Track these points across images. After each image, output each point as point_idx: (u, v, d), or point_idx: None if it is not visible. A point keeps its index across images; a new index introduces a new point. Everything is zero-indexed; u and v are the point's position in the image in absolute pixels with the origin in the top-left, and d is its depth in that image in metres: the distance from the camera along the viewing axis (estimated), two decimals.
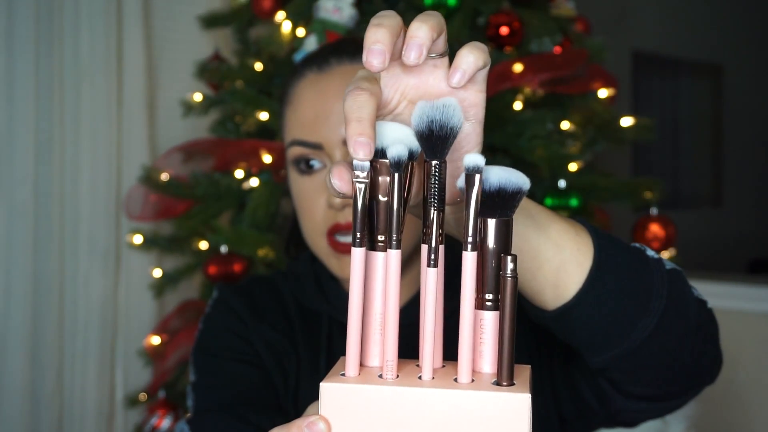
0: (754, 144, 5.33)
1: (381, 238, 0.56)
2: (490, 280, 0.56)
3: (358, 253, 0.54)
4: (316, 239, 0.98)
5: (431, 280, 0.54)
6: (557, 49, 1.73)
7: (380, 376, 0.55)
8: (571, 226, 0.69)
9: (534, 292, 0.69)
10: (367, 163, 0.54)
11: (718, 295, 2.56)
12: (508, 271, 0.53)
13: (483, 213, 0.55)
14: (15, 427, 2.02)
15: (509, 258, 0.53)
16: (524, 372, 0.57)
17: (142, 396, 1.99)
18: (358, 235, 0.54)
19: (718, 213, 5.23)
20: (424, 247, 0.55)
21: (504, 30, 1.68)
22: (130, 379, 2.20)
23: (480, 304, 0.56)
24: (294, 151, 0.98)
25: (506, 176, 0.55)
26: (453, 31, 1.68)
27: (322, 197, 0.96)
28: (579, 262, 0.67)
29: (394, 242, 0.54)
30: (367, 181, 0.54)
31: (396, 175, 0.53)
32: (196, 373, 0.98)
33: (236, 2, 1.99)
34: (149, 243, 1.96)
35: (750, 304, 2.56)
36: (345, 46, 1.01)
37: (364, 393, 0.53)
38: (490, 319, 0.56)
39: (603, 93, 1.79)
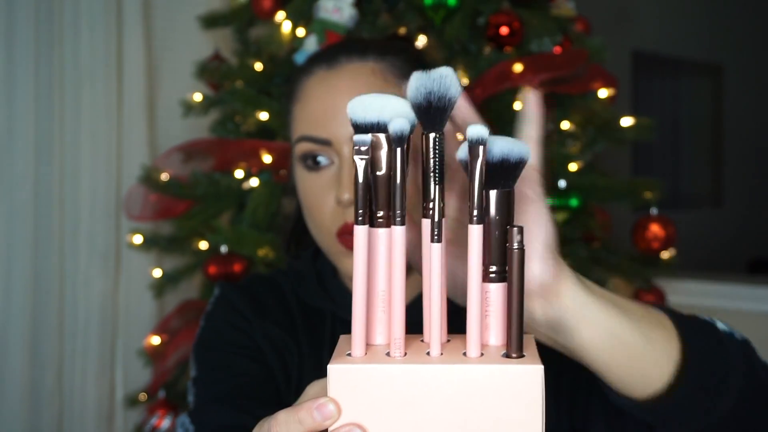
0: (754, 144, 5.33)
1: (380, 214, 0.55)
2: (494, 252, 0.55)
3: (361, 231, 0.53)
4: (325, 237, 0.97)
5: (436, 255, 0.53)
6: (557, 49, 1.73)
7: (387, 354, 0.54)
8: (654, 317, 0.70)
9: (619, 379, 0.68)
10: (369, 138, 0.53)
11: (718, 295, 2.56)
12: (515, 243, 0.53)
13: (485, 184, 0.54)
14: (15, 427, 2.02)
15: (515, 230, 0.53)
16: (530, 342, 0.56)
17: (142, 396, 1.99)
18: (361, 212, 0.53)
19: (718, 213, 5.23)
20: (426, 222, 0.54)
21: (504, 30, 1.68)
22: (130, 379, 2.20)
23: (484, 276, 0.55)
24: (301, 147, 0.97)
25: (509, 147, 0.54)
26: (453, 31, 1.68)
27: (330, 194, 0.96)
28: (668, 354, 0.68)
29: (398, 219, 0.53)
30: (368, 156, 0.53)
31: (398, 149, 0.53)
32: (197, 368, 0.97)
33: (236, 2, 1.99)
34: (149, 243, 1.96)
35: (750, 304, 2.56)
36: (354, 45, 1.01)
37: (373, 373, 0.52)
38: (495, 290, 0.55)
39: (603, 93, 1.79)
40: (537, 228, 0.61)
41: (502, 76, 1.63)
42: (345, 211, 0.95)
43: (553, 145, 1.65)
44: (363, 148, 0.53)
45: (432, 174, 0.54)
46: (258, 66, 1.85)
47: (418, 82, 0.54)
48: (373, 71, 0.96)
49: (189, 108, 1.94)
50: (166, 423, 1.83)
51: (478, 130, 0.52)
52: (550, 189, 1.69)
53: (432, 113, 0.54)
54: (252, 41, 1.99)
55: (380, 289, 0.56)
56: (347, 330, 0.99)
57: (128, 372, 2.21)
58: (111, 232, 2.18)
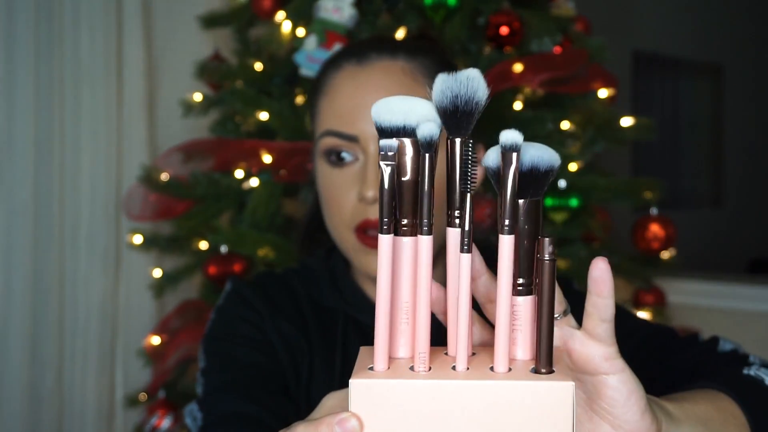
0: (754, 144, 5.33)
1: (405, 221, 0.53)
2: (522, 264, 0.53)
3: (386, 240, 0.51)
4: (344, 233, 0.97)
5: (465, 266, 0.51)
6: (557, 49, 1.73)
7: (411, 368, 0.52)
8: (728, 414, 0.70)
9: None
10: (395, 143, 0.51)
11: (718, 295, 2.56)
12: (546, 255, 0.51)
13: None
14: (15, 427, 2.02)
15: (547, 240, 0.51)
16: (560, 358, 0.54)
17: (142, 396, 1.99)
18: (386, 220, 0.51)
19: (718, 213, 5.23)
20: (452, 231, 0.53)
21: (504, 30, 1.68)
22: (130, 379, 2.20)
23: (512, 290, 0.53)
24: (326, 142, 0.97)
25: (539, 154, 0.52)
26: (453, 31, 1.68)
27: (353, 190, 0.95)
28: None
29: (425, 227, 0.52)
30: (394, 162, 0.51)
31: (427, 155, 0.51)
32: (207, 359, 0.97)
33: (236, 2, 1.99)
34: (149, 243, 1.96)
35: (750, 304, 2.56)
36: (385, 42, 1.01)
37: (397, 388, 0.50)
38: (522, 304, 0.53)
39: (603, 93, 1.79)
40: (633, 397, 0.57)
41: (502, 76, 1.63)
42: (367, 208, 0.94)
43: (554, 145, 1.65)
44: (390, 154, 0.51)
45: (460, 181, 0.52)
46: (258, 66, 1.85)
47: (444, 84, 0.52)
48: (402, 70, 0.96)
49: (189, 108, 1.94)
50: (166, 423, 1.83)
51: (511, 135, 0.50)
52: (550, 189, 1.69)
53: (459, 117, 0.51)
54: (252, 41, 1.99)
55: (404, 300, 0.53)
56: (359, 330, 1.00)
57: (128, 372, 2.21)
58: (111, 232, 2.18)
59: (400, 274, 0.53)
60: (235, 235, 1.72)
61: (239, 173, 1.78)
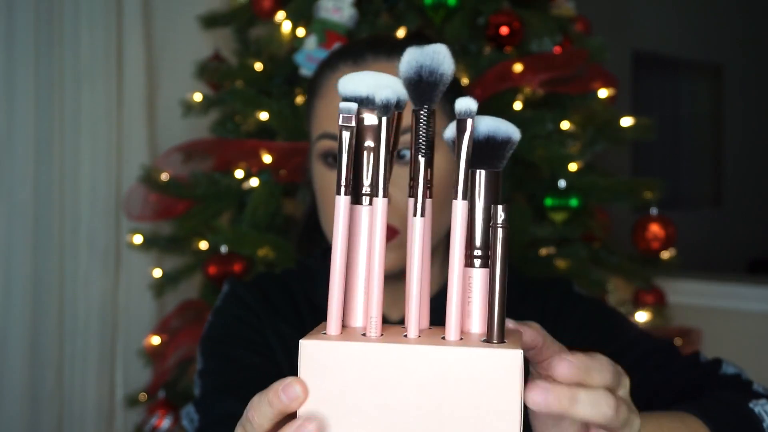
0: (754, 144, 5.33)
1: (367, 190, 0.53)
2: (479, 235, 0.53)
3: (342, 202, 0.52)
4: None
5: (417, 230, 0.51)
6: (557, 49, 1.73)
7: (363, 334, 0.52)
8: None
9: None
10: (355, 106, 0.52)
11: (718, 295, 2.56)
12: (499, 221, 0.50)
13: (471, 164, 0.52)
14: (15, 427, 2.02)
15: (500, 207, 0.50)
16: (515, 334, 0.54)
17: (142, 396, 1.99)
18: (344, 182, 0.52)
19: (718, 213, 5.22)
20: (411, 200, 0.53)
21: (504, 30, 1.68)
22: (130, 379, 2.20)
23: (468, 261, 0.53)
24: (323, 145, 0.96)
25: (495, 125, 0.53)
26: (453, 31, 1.68)
27: None
28: None
29: (381, 190, 0.52)
30: (353, 125, 0.52)
31: (384, 119, 0.51)
32: (204, 361, 0.97)
33: (236, 2, 1.99)
34: (149, 243, 1.96)
35: (750, 304, 2.56)
36: (382, 43, 0.99)
37: (346, 350, 0.50)
38: (478, 276, 0.53)
39: (603, 93, 1.79)
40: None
41: (502, 76, 1.63)
42: None
43: (553, 145, 1.65)
44: (347, 116, 0.52)
45: (417, 149, 0.52)
46: (258, 66, 1.85)
47: (410, 56, 0.53)
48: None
49: (189, 108, 1.94)
50: (166, 423, 1.83)
51: (466, 102, 0.51)
52: (550, 189, 1.69)
53: (422, 87, 0.52)
54: (252, 41, 1.99)
55: (362, 269, 0.53)
56: None
57: (128, 372, 2.21)
58: (111, 232, 2.18)
59: (359, 242, 0.53)
60: (235, 235, 1.72)
61: (239, 173, 1.78)
